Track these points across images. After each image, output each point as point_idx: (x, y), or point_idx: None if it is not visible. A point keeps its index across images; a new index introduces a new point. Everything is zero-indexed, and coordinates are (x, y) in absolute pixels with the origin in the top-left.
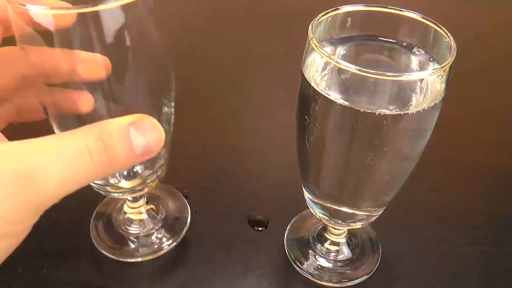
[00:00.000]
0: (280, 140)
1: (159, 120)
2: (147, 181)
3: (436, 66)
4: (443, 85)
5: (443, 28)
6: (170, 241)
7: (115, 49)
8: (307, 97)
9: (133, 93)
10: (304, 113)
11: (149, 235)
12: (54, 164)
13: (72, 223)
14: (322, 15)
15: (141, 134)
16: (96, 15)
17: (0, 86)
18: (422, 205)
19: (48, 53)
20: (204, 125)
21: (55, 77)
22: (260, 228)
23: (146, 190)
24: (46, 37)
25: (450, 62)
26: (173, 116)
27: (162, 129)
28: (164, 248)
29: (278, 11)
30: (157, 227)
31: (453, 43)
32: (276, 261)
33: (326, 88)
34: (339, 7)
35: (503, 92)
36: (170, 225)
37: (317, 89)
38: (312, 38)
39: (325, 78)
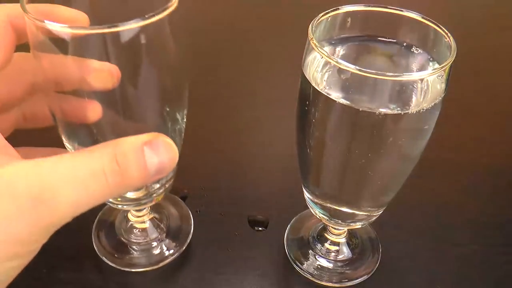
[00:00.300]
0: (280, 140)
1: (170, 133)
2: (154, 195)
3: (436, 66)
4: (443, 85)
5: (443, 28)
6: (172, 251)
7: (130, 61)
8: (307, 96)
9: (145, 105)
10: (304, 112)
11: (152, 245)
12: (68, 186)
13: (74, 227)
14: (322, 15)
15: (155, 154)
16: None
17: (10, 92)
18: (422, 205)
19: (61, 61)
20: (204, 125)
21: (66, 85)
22: (260, 228)
23: (153, 202)
24: (60, 45)
25: (450, 62)
26: (183, 129)
27: (176, 148)
28: (166, 258)
29: (278, 10)
30: (160, 237)
31: (453, 43)
32: (276, 261)
33: (326, 88)
34: (339, 7)
35: (503, 92)
36: (173, 235)
37: (317, 88)
38: (312, 38)
39: (325, 77)
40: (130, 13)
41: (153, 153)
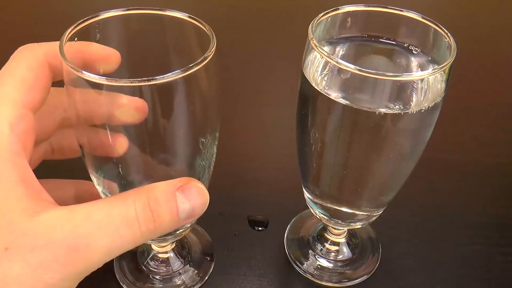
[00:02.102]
0: (280, 140)
1: (201, 162)
2: (179, 231)
3: (436, 66)
4: (443, 85)
5: (443, 28)
6: (194, 282)
7: (164, 103)
8: (307, 96)
9: (178, 142)
10: (304, 112)
11: (173, 275)
12: (102, 234)
13: None
14: (322, 15)
15: (187, 199)
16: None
17: (43, 128)
18: (422, 205)
19: (94, 97)
20: None
21: (96, 119)
22: (260, 228)
23: (178, 238)
24: (94, 84)
25: (450, 62)
26: (214, 157)
27: (207, 193)
28: None
29: (278, 10)
30: (182, 267)
31: (453, 43)
32: (276, 261)
33: (326, 88)
34: (339, 7)
35: (503, 91)
36: (196, 265)
37: (317, 88)
38: (312, 38)
39: (325, 77)
40: (163, 45)
41: (185, 199)
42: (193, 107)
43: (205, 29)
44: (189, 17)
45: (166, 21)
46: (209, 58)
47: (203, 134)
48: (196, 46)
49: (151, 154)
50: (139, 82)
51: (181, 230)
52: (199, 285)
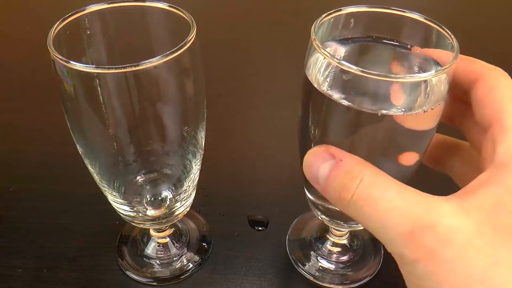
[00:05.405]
0: (281, 141)
1: (187, 153)
2: (175, 213)
3: (439, 67)
4: (446, 86)
5: (446, 29)
6: (192, 264)
7: (151, 89)
8: (309, 98)
9: (167, 127)
10: (307, 113)
11: (172, 259)
12: None
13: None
14: (325, 16)
15: None
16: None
17: None
18: None
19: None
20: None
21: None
22: (260, 228)
23: (174, 221)
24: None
25: (453, 63)
26: (202, 148)
27: None
28: (187, 271)
29: (280, 11)
30: (181, 251)
31: (456, 44)
32: (277, 261)
33: (329, 89)
34: (342, 8)
35: None
36: (193, 248)
37: (319, 89)
38: (314, 38)
39: (328, 79)
40: (147, 35)
41: None
42: (177, 91)
43: (185, 17)
44: (170, 6)
45: (149, 12)
46: (189, 43)
47: (186, 121)
48: (177, 34)
49: (148, 140)
50: (123, 68)
51: (176, 213)
52: (197, 267)
